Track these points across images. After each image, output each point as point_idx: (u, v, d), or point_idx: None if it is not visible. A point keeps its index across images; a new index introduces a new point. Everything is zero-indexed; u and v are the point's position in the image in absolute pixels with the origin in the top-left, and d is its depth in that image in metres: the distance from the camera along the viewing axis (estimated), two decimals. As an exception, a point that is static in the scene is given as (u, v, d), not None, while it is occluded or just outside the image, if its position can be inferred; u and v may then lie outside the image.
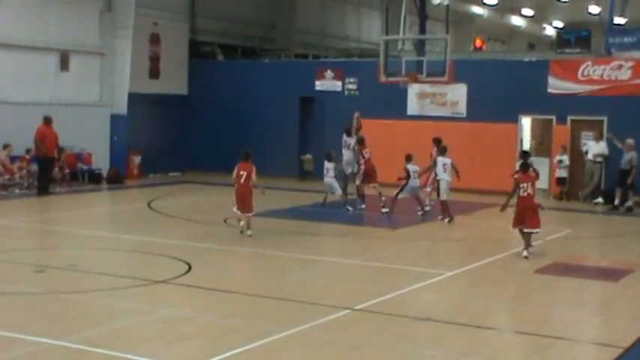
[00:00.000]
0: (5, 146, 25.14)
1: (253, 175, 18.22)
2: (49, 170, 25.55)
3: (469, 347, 10.56)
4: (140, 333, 10.91)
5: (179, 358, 9.61)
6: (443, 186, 21.56)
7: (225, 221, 20.67)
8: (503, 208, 17.45)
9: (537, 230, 16.91)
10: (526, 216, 16.79)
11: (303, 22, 38.17)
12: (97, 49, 29.62)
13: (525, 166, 17.41)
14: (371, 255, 16.95)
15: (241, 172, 18.26)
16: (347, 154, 23.42)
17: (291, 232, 19.63)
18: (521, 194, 16.77)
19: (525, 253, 16.77)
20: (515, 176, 17.40)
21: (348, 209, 22.73)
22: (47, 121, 25.43)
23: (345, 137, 23.65)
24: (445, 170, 21.54)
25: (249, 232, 18.29)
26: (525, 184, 16.79)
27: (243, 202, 18.25)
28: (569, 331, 11.60)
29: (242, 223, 18.50)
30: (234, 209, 18.49)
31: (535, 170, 18.21)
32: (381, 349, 10.40)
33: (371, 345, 10.53)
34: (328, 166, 23.21)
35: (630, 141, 24.84)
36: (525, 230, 16.86)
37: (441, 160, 21.65)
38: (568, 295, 14.04)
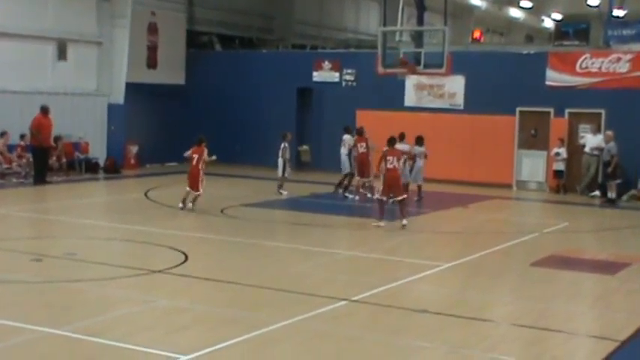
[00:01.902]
0: (2, 134, 25.09)
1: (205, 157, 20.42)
2: (46, 159, 25.52)
3: (466, 339, 10.56)
4: (137, 322, 10.91)
5: (176, 348, 9.61)
6: (416, 170, 23.09)
7: (222, 211, 20.67)
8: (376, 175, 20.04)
9: (405, 196, 19.29)
10: (393, 186, 18.84)
11: (301, 13, 38.13)
12: (95, 38, 29.58)
13: (393, 142, 19.48)
14: (368, 246, 16.95)
15: (193, 155, 20.36)
16: (344, 154, 23.78)
17: (288, 222, 19.64)
18: (388, 166, 18.82)
19: (405, 221, 18.81)
20: (384, 149, 19.27)
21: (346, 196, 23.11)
22: (44, 110, 25.38)
23: (344, 136, 24.08)
24: (420, 158, 23.09)
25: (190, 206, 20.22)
26: (392, 158, 18.88)
27: (193, 181, 20.33)
28: (566, 324, 11.61)
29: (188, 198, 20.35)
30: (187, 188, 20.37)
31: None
32: (378, 340, 10.40)
33: (367, 336, 10.54)
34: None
35: (609, 132, 24.89)
36: (398, 199, 18.96)
37: (417, 149, 23.06)
38: (565, 288, 14.06)
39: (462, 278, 14.42)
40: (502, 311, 12.56)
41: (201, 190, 20.47)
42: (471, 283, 13.98)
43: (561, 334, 10.99)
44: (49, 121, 25.52)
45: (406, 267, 15.09)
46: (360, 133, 23.15)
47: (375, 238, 18.24)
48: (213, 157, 21.11)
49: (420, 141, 23.32)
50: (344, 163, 23.92)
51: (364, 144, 22.96)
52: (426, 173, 23.89)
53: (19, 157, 25.47)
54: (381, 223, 19.06)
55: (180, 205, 20.45)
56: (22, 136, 25.52)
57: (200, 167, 20.35)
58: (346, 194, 23.34)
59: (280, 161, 23.89)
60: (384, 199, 19.16)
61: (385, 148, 19.44)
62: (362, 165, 22.93)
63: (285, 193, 23.78)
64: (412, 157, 22.95)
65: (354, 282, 13.55)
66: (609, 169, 24.76)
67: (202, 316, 11.30)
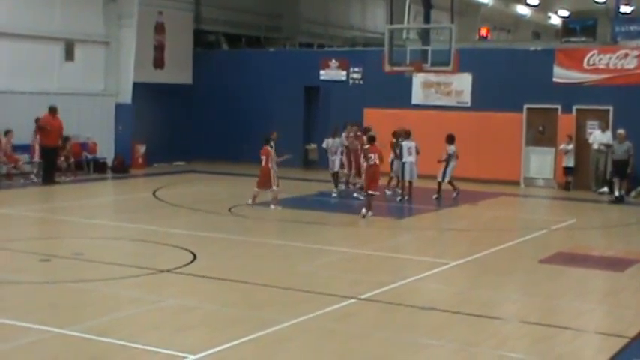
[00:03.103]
0: (7, 132, 25.05)
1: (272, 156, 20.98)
2: (54, 159, 25.57)
3: (474, 337, 10.56)
4: (145, 322, 10.93)
5: (184, 347, 9.62)
6: (407, 168, 22.84)
7: (229, 210, 20.69)
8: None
9: (377, 193, 20.38)
10: (375, 180, 19.84)
11: (308, 12, 38.14)
12: (102, 38, 29.64)
13: (373, 140, 20.45)
14: (375, 245, 16.94)
15: (262, 157, 20.89)
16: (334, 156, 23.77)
17: (296, 221, 19.63)
18: (370, 163, 19.87)
19: (370, 213, 19.73)
20: (365, 147, 20.33)
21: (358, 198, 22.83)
22: (52, 110, 25.43)
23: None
24: (410, 154, 22.93)
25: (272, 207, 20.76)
26: (373, 155, 19.94)
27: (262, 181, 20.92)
28: (574, 320, 11.59)
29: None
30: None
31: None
32: (386, 338, 10.40)
33: (376, 334, 10.54)
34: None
35: (621, 131, 24.77)
36: (371, 192, 19.90)
37: (405, 144, 22.97)
38: (573, 285, 14.03)
39: (469, 275, 14.40)
40: (510, 308, 12.55)
41: (274, 187, 21.00)
42: (478, 281, 13.96)
43: (569, 331, 10.97)
44: (58, 121, 25.57)
45: (414, 265, 15.10)
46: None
47: (383, 236, 18.24)
48: (286, 157, 21.94)
49: (451, 140, 23.50)
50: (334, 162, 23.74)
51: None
52: (432, 171, 24.01)
53: (33, 151, 25.47)
54: (370, 213, 19.84)
55: (249, 201, 21.11)
56: (37, 121, 25.46)
57: (270, 166, 20.88)
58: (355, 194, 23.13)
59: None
60: (371, 192, 20.00)
61: (367, 146, 20.51)
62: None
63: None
64: (446, 158, 23.27)
65: (362, 280, 13.55)
66: (629, 169, 24.51)
67: (210, 316, 11.31)
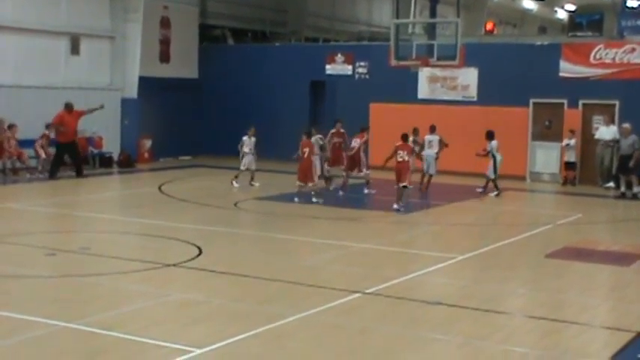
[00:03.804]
0: (10, 126, 25.06)
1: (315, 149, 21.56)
2: (74, 153, 25.92)
3: (480, 331, 10.55)
4: (151, 316, 10.94)
5: (190, 341, 9.63)
6: (426, 161, 23.72)
7: (235, 205, 20.70)
8: (383, 166, 20.97)
9: (406, 184, 20.43)
10: (401, 174, 20.24)
11: (314, 6, 38.09)
12: (108, 32, 29.66)
13: (404, 138, 20.72)
14: (381, 239, 16.94)
15: (304, 150, 21.20)
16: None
17: (301, 215, 19.63)
18: (398, 159, 20.28)
19: (396, 206, 20.19)
20: (396, 144, 20.54)
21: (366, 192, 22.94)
22: (68, 107, 25.70)
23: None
24: (430, 147, 23.75)
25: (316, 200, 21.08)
26: (402, 152, 20.34)
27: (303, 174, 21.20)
28: (581, 315, 11.57)
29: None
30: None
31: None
32: (392, 332, 10.40)
33: (381, 329, 10.54)
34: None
35: (627, 125, 24.69)
36: (403, 185, 20.31)
37: (428, 137, 23.84)
38: (579, 280, 14.02)
39: (476, 270, 14.40)
40: (516, 303, 12.55)
41: (316, 180, 21.48)
42: (485, 275, 13.96)
43: (576, 326, 10.96)
44: (74, 117, 25.79)
45: (420, 259, 15.08)
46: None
47: (389, 231, 18.23)
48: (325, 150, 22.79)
49: (491, 135, 23.71)
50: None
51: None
52: (440, 165, 24.13)
53: (42, 146, 25.50)
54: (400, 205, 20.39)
55: (296, 199, 21.23)
56: (48, 126, 25.58)
57: (312, 159, 21.28)
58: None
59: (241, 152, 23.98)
60: (403, 185, 20.39)
61: (398, 143, 20.45)
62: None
63: (235, 184, 23.84)
64: (486, 153, 23.52)
65: (368, 274, 13.55)
66: (631, 163, 24.41)
67: (216, 310, 11.32)
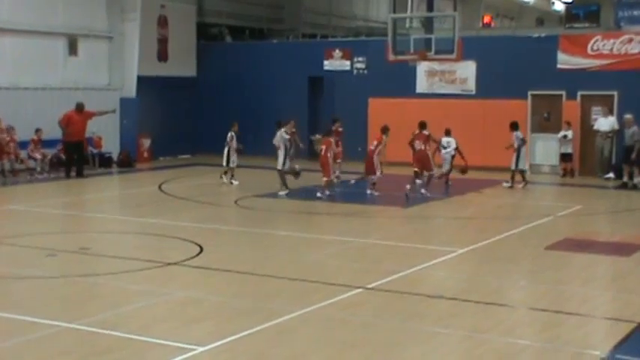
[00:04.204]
0: (9, 129, 25.02)
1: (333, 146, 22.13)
2: (80, 154, 26.14)
3: (482, 324, 10.56)
4: (153, 315, 10.96)
5: (193, 340, 9.65)
6: (446, 159, 24.14)
7: (236, 202, 20.71)
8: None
9: (432, 172, 22.27)
10: (424, 163, 21.84)
11: (311, 2, 38.06)
12: (105, 32, 29.65)
13: (422, 126, 22.27)
14: (382, 234, 16.96)
15: (322, 147, 21.92)
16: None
17: (302, 212, 19.65)
18: (417, 148, 21.93)
19: (424, 190, 21.68)
20: (414, 133, 22.28)
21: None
22: (79, 107, 26.01)
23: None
24: (449, 146, 24.13)
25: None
26: (418, 141, 21.96)
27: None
28: (582, 306, 11.59)
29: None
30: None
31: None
32: (394, 326, 10.42)
33: (383, 323, 10.55)
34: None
35: (629, 116, 24.68)
36: (427, 173, 21.99)
37: (445, 139, 24.07)
38: (580, 271, 14.03)
39: (477, 263, 14.41)
40: (517, 295, 12.56)
41: (332, 177, 22.01)
42: (486, 268, 13.97)
43: (577, 317, 10.97)
44: (83, 117, 26.04)
45: (421, 253, 15.09)
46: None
47: (390, 225, 18.25)
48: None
49: (516, 126, 23.94)
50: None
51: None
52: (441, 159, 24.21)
53: (32, 151, 25.50)
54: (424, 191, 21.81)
55: (324, 192, 21.61)
56: (37, 131, 25.62)
57: (328, 155, 21.70)
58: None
59: (225, 150, 23.96)
60: (429, 173, 22.09)
61: (416, 131, 22.18)
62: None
63: (233, 182, 23.83)
64: (517, 146, 23.63)
65: (369, 269, 13.57)
66: (633, 155, 24.37)
67: (218, 307, 11.34)
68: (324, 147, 21.81)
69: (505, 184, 23.75)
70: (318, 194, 21.43)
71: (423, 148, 21.94)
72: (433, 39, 24.59)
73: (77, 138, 25.89)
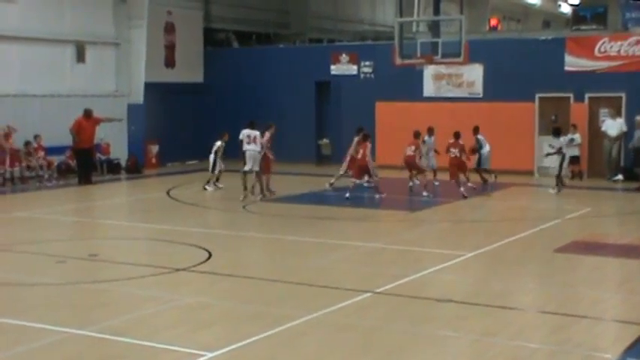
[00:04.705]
0: (7, 135, 24.95)
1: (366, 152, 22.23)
2: (90, 160, 26.36)
3: (491, 327, 10.55)
4: (162, 321, 10.97)
5: (201, 345, 9.65)
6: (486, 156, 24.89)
7: (244, 207, 20.72)
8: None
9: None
10: (452, 170, 22.55)
11: (317, 7, 38.09)
12: (112, 39, 29.72)
13: (456, 136, 22.85)
14: (390, 238, 16.94)
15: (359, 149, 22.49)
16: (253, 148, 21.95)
17: (309, 217, 19.65)
18: (451, 156, 22.59)
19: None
20: (449, 142, 22.88)
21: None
22: (87, 113, 26.05)
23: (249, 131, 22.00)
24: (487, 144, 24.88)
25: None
26: (454, 149, 22.58)
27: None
28: (591, 309, 11.56)
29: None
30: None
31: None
32: (403, 331, 10.41)
33: (393, 327, 10.54)
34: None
35: (639, 118, 24.66)
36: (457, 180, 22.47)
37: (480, 137, 24.76)
38: (589, 274, 14.00)
39: (485, 267, 14.39)
40: (526, 298, 12.54)
41: (357, 181, 22.48)
42: (494, 272, 13.96)
43: (586, 320, 10.95)
44: (91, 123, 26.08)
45: (429, 257, 15.09)
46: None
47: (397, 230, 18.24)
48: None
49: (558, 132, 23.58)
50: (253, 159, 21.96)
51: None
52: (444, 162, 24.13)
53: (28, 154, 25.46)
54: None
55: (347, 194, 21.82)
56: (36, 137, 25.69)
57: (367, 159, 22.17)
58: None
59: (211, 157, 24.20)
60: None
61: (451, 140, 22.73)
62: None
63: (210, 189, 24.02)
64: (557, 151, 23.28)
65: (378, 274, 13.56)
66: None
67: (227, 313, 11.35)
68: (361, 150, 22.24)
69: (551, 191, 23.18)
70: (377, 196, 22.21)
71: (458, 155, 22.58)
72: (440, 42, 24.61)
73: (87, 145, 26.01)
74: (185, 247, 15.77)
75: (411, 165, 22.80)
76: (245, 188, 21.93)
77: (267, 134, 22.47)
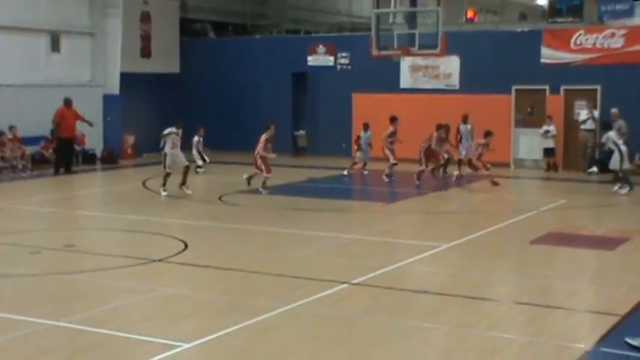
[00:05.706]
0: None
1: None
2: (70, 150, 26.41)
3: (467, 319, 10.59)
4: (138, 312, 10.94)
5: (178, 336, 9.63)
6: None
7: (220, 199, 20.67)
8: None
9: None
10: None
11: (294, -2, 37.99)
12: (88, 29, 29.51)
13: (488, 134, 23.31)
14: (367, 229, 16.94)
15: None
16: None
17: (286, 208, 19.63)
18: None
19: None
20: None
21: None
22: (67, 102, 26.01)
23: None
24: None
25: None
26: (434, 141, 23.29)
27: None
28: (567, 300, 11.63)
29: None
30: None
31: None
32: (380, 322, 10.42)
33: (369, 319, 10.56)
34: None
35: (614, 110, 24.75)
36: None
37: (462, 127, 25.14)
38: (564, 265, 14.08)
39: (461, 258, 14.43)
40: (502, 290, 12.58)
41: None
42: (470, 263, 14.00)
43: (562, 311, 11.02)
44: (72, 112, 26.05)
45: (406, 248, 15.12)
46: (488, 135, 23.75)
47: (374, 221, 18.25)
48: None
49: (608, 125, 23.32)
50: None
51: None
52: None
53: (2, 144, 25.26)
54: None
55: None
56: (11, 128, 25.52)
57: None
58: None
59: (194, 152, 25.12)
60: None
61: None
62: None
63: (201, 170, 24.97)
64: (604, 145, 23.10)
65: (354, 265, 13.57)
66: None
67: (203, 304, 11.32)
68: (434, 141, 23.52)
69: (622, 190, 21.86)
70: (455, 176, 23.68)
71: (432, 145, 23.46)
72: (417, 34, 24.57)
73: (69, 134, 26.09)
74: (161, 237, 15.72)
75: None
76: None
77: (265, 135, 22.26)
